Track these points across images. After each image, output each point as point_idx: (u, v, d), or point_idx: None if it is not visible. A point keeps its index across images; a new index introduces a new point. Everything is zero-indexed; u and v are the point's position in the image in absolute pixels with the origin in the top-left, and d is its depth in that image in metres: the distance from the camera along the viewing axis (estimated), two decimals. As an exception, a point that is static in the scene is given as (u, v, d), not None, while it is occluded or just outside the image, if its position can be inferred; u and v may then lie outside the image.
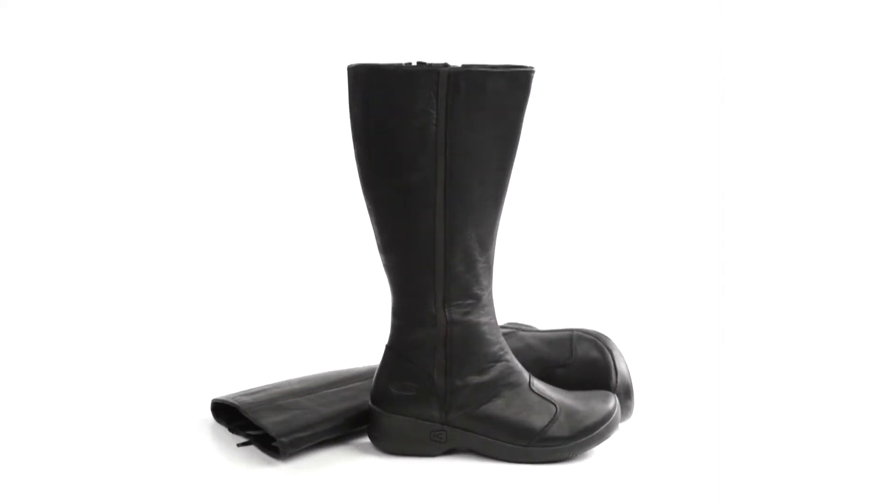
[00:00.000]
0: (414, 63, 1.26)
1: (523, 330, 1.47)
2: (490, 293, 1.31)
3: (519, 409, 1.28)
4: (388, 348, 1.34)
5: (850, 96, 2.04)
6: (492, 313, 1.31)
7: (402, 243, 1.29)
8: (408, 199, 1.27)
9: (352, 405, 1.37)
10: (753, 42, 2.05)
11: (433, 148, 1.25)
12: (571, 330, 1.42)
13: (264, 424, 1.31)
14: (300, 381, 1.45)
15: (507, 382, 1.30)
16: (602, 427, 1.28)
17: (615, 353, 1.36)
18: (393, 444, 1.32)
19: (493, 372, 1.30)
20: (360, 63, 1.26)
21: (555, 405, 1.29)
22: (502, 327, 1.48)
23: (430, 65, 1.25)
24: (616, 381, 1.34)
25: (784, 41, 2.05)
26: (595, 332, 1.40)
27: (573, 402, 1.30)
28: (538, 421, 1.28)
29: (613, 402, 1.30)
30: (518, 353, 1.39)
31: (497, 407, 1.29)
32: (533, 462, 1.28)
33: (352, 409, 1.36)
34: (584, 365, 1.36)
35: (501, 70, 1.24)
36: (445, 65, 1.25)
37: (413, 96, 1.24)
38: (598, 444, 1.29)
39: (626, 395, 1.35)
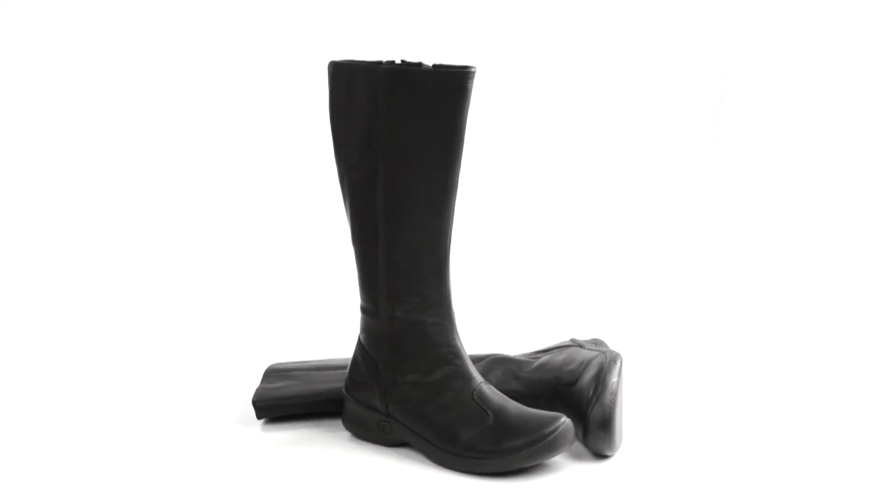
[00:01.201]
0: (398, 62, 1.26)
1: (585, 347, 1.45)
2: (442, 294, 1.30)
3: (453, 415, 1.27)
4: (358, 337, 1.37)
5: (850, 96, 2.03)
6: (444, 315, 1.30)
7: (357, 237, 1.32)
8: (356, 194, 1.29)
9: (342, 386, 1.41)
10: (753, 42, 2.04)
11: (373, 145, 1.26)
12: (604, 352, 1.39)
13: (257, 388, 1.45)
14: (339, 359, 1.52)
15: (449, 386, 1.29)
16: (528, 449, 1.22)
17: (607, 383, 1.30)
18: (353, 428, 1.36)
19: (437, 374, 1.29)
20: (333, 60, 1.29)
21: (490, 417, 1.26)
22: (574, 341, 1.47)
23: (409, 63, 1.25)
24: (590, 412, 1.28)
25: (784, 41, 2.04)
26: (612, 357, 1.35)
27: (514, 418, 1.25)
28: (466, 429, 1.25)
29: (556, 426, 1.23)
30: (546, 370, 1.38)
31: (433, 408, 1.28)
32: (458, 470, 1.25)
33: (339, 391, 1.41)
34: (581, 389, 1.32)
35: (435, 70, 1.24)
36: (420, 64, 1.25)
37: (355, 93, 1.26)
38: (525, 464, 1.23)
39: (600, 426, 1.27)
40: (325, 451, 1.32)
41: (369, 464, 1.28)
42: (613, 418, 1.27)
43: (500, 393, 1.30)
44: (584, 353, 1.40)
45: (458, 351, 1.30)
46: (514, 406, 1.27)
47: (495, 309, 1.91)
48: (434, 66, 1.25)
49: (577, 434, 1.29)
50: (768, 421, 1.40)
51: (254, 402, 1.41)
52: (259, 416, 1.41)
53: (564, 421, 1.24)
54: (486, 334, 1.70)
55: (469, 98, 1.25)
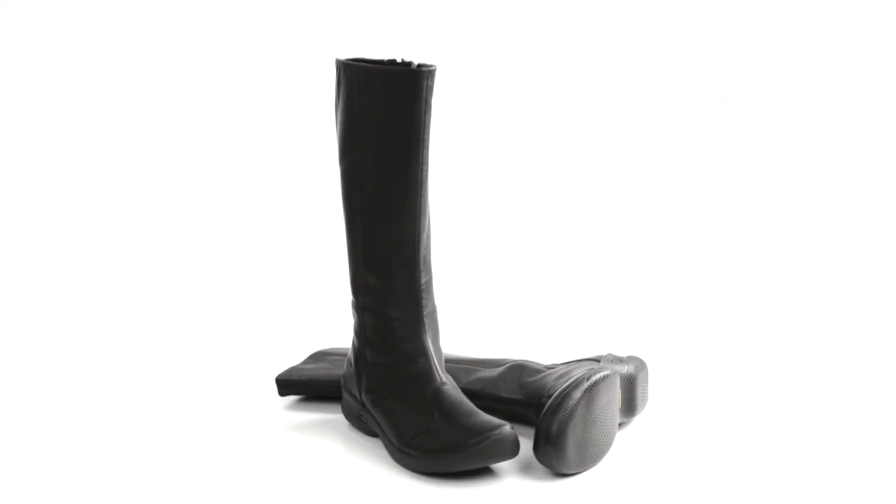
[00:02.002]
0: (399, 61, 1.30)
1: (600, 363, 1.41)
2: (411, 291, 1.32)
3: (405, 411, 1.30)
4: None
5: (851, 96, 2.03)
6: (412, 311, 1.32)
7: (346, 230, 1.36)
8: (344, 188, 1.34)
9: None
10: (753, 42, 2.04)
11: (353, 139, 1.30)
12: (592, 369, 1.34)
13: (288, 368, 1.52)
14: None
15: (409, 383, 1.31)
16: (456, 454, 1.24)
17: (568, 399, 1.26)
18: (346, 416, 1.42)
19: (400, 369, 1.32)
20: (337, 57, 1.33)
21: (435, 417, 1.27)
22: (610, 355, 1.44)
23: (403, 63, 1.29)
24: (541, 425, 1.26)
25: (784, 41, 2.04)
26: (588, 374, 1.30)
27: (456, 422, 1.26)
28: (411, 426, 1.28)
29: (488, 435, 1.23)
30: (542, 382, 1.37)
31: (390, 402, 1.32)
32: (402, 465, 1.28)
33: None
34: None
35: (391, 68, 1.27)
36: (409, 63, 1.29)
37: (343, 90, 1.30)
38: (453, 468, 1.25)
39: (548, 441, 1.24)
40: (317, 439, 1.37)
41: (346, 457, 1.32)
42: (564, 435, 1.24)
43: (460, 396, 1.31)
44: (582, 369, 1.37)
45: (424, 349, 1.32)
46: (465, 410, 1.28)
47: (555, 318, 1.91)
48: (419, 65, 1.28)
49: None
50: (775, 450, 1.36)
51: (276, 380, 1.48)
52: (280, 394, 1.48)
53: (500, 431, 1.23)
54: (540, 342, 1.72)
55: (425, 96, 1.27)
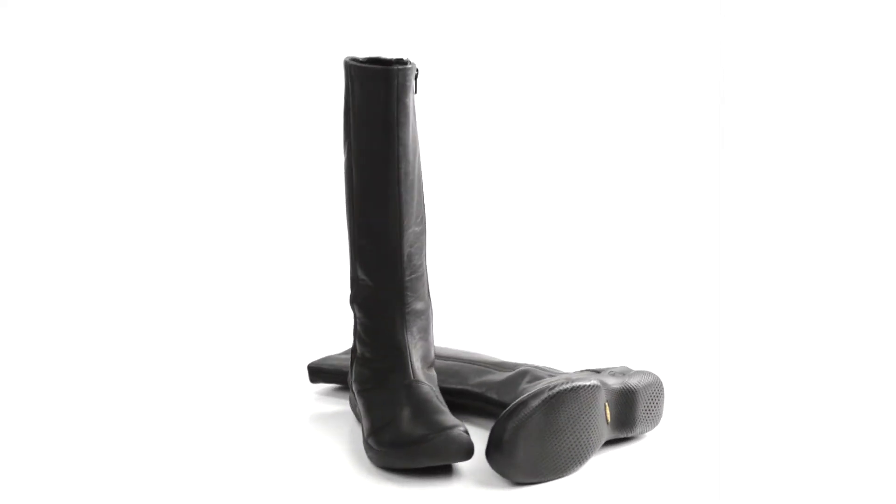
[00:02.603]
0: (404, 59, 1.33)
1: (599, 373, 1.38)
2: (394, 287, 1.34)
3: (375, 406, 1.32)
4: None
5: (851, 96, 2.01)
6: (395, 307, 1.34)
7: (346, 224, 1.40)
8: (344, 182, 1.37)
9: None
10: (753, 42, 2.03)
11: (348, 135, 1.34)
12: (569, 379, 1.30)
13: (325, 356, 1.57)
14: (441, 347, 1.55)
15: (384, 377, 1.34)
16: (405, 449, 1.25)
17: (523, 407, 1.24)
18: (351, 407, 1.45)
19: (381, 363, 1.35)
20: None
21: (396, 415, 1.28)
22: (623, 367, 1.42)
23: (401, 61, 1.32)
24: (493, 431, 1.24)
25: (785, 41, 2.03)
26: (554, 384, 1.27)
27: (416, 420, 1.27)
28: (377, 421, 1.30)
29: (434, 435, 1.24)
30: (530, 389, 1.34)
31: (367, 396, 1.34)
32: (369, 458, 1.29)
33: None
34: None
35: (363, 66, 1.29)
36: (407, 63, 1.31)
37: (345, 88, 1.33)
38: (400, 465, 1.26)
39: (498, 448, 1.23)
40: (319, 432, 1.41)
41: (340, 452, 1.35)
42: (515, 443, 1.22)
43: (429, 395, 1.31)
44: (561, 378, 1.31)
45: (402, 345, 1.34)
46: (430, 408, 1.29)
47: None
48: (394, 61, 1.31)
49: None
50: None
51: (308, 367, 1.53)
52: (311, 381, 1.53)
53: (450, 432, 1.24)
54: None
55: (397, 94, 1.28)
